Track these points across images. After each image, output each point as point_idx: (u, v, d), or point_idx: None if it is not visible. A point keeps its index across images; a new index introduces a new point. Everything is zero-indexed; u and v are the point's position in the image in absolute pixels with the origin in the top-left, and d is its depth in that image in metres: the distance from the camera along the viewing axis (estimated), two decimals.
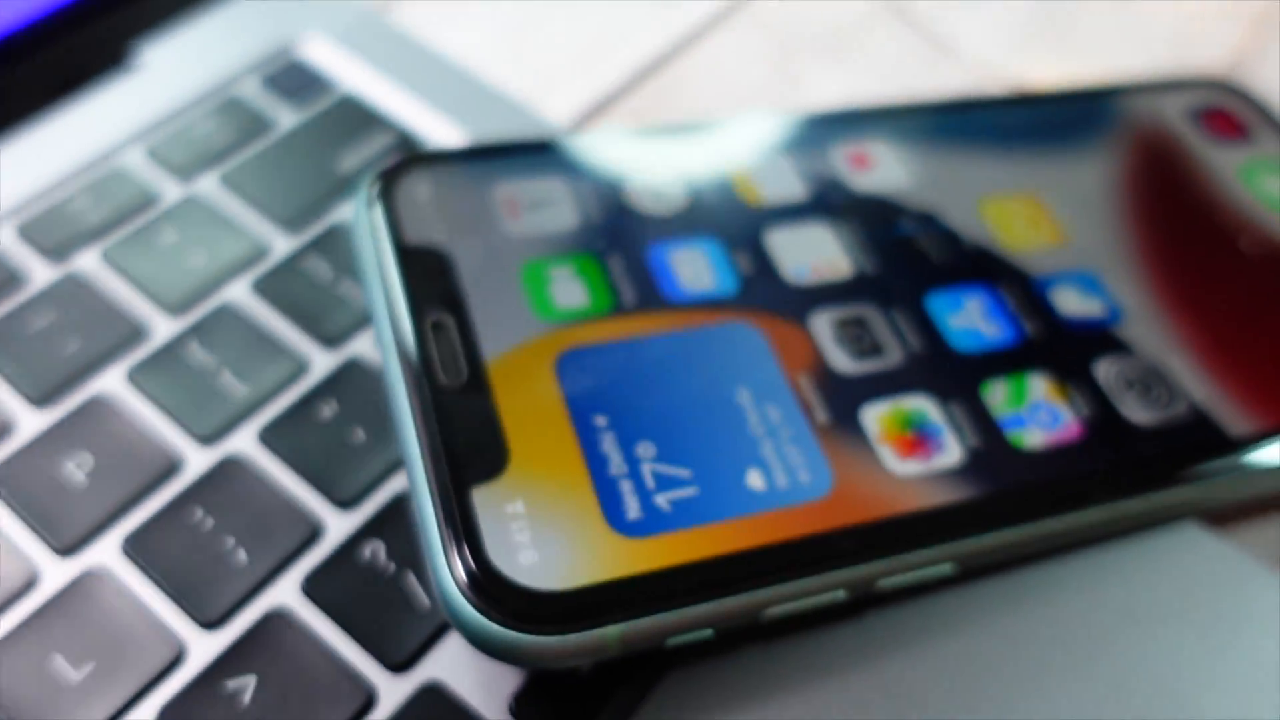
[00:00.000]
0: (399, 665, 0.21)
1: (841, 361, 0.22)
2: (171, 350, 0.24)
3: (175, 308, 0.25)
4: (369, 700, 0.20)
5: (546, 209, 0.24)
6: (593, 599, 0.18)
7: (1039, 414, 0.22)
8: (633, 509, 0.19)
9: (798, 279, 0.24)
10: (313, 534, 0.22)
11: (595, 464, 0.20)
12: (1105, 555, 0.23)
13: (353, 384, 0.24)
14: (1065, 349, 0.23)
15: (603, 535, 0.19)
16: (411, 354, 0.21)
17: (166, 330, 0.24)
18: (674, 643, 0.19)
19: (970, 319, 0.24)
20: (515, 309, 0.22)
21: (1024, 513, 0.21)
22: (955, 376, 0.22)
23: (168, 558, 0.22)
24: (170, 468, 0.23)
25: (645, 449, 0.20)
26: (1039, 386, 0.23)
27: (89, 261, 0.25)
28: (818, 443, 0.21)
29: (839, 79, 0.32)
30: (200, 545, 0.22)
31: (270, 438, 0.23)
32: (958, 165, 0.27)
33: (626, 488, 0.20)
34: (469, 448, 0.20)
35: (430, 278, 0.22)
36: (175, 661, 0.21)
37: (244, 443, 0.23)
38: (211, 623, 0.21)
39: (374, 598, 0.21)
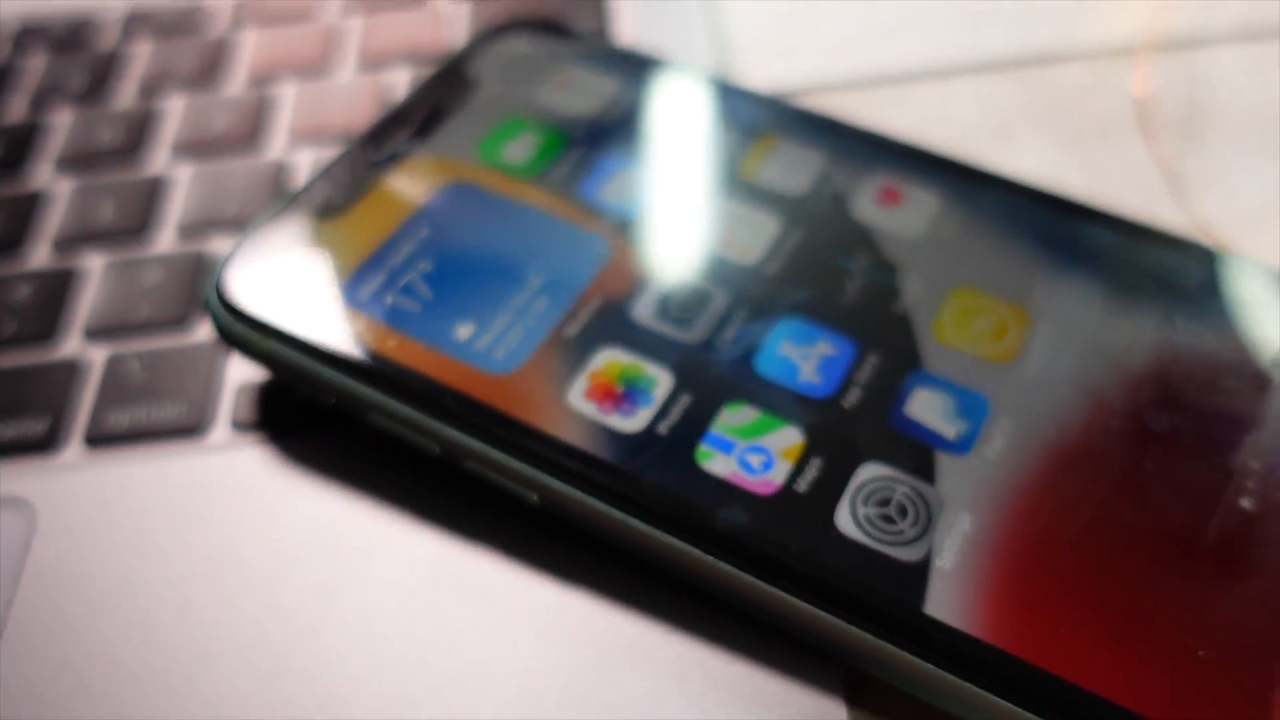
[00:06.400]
0: None
1: (643, 310, 0.22)
2: None
3: None
4: None
5: (582, 97, 0.27)
6: (276, 317, 0.22)
7: (751, 452, 0.20)
8: (368, 290, 0.23)
9: (700, 244, 0.24)
10: None
11: (385, 251, 0.23)
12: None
13: None
14: (858, 435, 0.20)
15: (332, 293, 0.23)
16: (383, 109, 0.26)
17: None
18: (308, 395, 0.22)
19: (802, 358, 0.22)
20: (469, 139, 0.26)
21: (641, 510, 0.19)
22: (717, 383, 0.21)
23: None
24: None
25: (425, 264, 0.23)
26: (783, 439, 0.20)
27: None
28: (540, 341, 0.22)
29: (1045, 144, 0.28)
30: None
31: None
32: (981, 246, 0.23)
33: (380, 278, 0.23)
34: (333, 188, 0.24)
35: (450, 88, 0.27)
36: None
37: None
38: None
39: None
